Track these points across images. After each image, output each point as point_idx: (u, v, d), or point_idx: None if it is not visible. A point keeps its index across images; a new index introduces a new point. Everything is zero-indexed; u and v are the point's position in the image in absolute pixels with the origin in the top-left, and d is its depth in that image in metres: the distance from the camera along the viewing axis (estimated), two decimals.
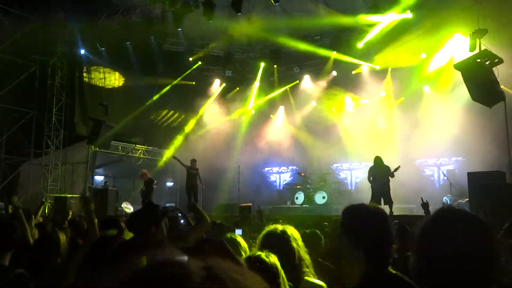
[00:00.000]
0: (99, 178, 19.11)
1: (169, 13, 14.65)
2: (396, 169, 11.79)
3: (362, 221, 2.02)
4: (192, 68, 18.64)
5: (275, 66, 18.21)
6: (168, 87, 18.27)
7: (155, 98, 17.72)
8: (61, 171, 16.06)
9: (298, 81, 19.20)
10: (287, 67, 18.70)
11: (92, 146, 15.93)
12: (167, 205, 16.12)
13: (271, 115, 20.34)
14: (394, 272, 1.93)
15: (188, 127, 19.05)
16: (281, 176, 21.02)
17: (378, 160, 12.24)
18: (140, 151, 18.51)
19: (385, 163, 12.22)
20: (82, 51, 16.33)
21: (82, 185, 16.23)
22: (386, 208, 11.85)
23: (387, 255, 1.94)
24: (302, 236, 2.94)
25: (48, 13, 15.37)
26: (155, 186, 15.45)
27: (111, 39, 15.70)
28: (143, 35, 15.68)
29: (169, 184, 20.88)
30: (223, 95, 20.13)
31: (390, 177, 11.91)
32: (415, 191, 14.93)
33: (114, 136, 16.13)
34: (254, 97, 19.84)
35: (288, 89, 19.47)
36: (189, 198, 14.30)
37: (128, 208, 16.65)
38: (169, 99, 18.62)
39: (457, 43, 13.92)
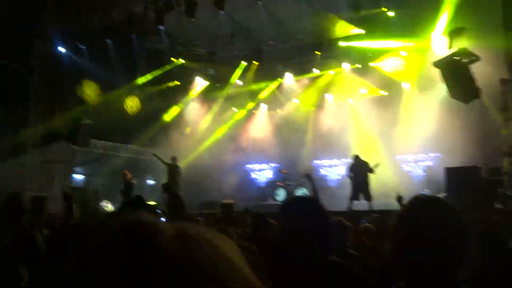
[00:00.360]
0: (78, 177, 18.81)
1: (151, 11, 14.57)
2: (376, 165, 12.03)
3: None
4: (172, 66, 18.53)
5: (257, 63, 18.29)
6: (156, 89, 18.15)
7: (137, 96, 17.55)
8: (40, 170, 15.77)
9: (280, 79, 19.34)
10: (270, 65, 18.82)
11: (72, 145, 15.69)
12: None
13: (254, 112, 20.41)
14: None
15: (170, 124, 18.90)
16: (262, 173, 21.12)
17: (356, 158, 12.57)
18: (121, 149, 18.33)
19: (366, 159, 12.45)
20: (63, 50, 16.08)
21: (61, 185, 15.97)
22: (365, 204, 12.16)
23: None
24: None
25: (29, 12, 15.12)
26: (134, 182, 15.38)
27: (92, 37, 15.52)
28: (124, 34, 15.55)
29: (151, 182, 20.72)
30: (205, 92, 20.11)
31: (369, 173, 12.12)
32: (394, 187, 15.28)
33: (94, 135, 15.94)
34: (236, 95, 19.89)
35: (270, 87, 19.58)
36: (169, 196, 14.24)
37: (107, 206, 16.46)
38: (153, 97, 18.48)
39: (435, 41, 14.29)
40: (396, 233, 1.59)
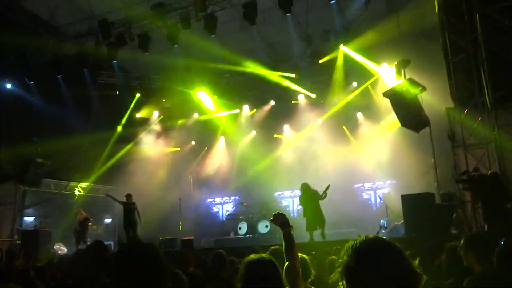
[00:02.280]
0: (29, 219, 17.87)
1: (103, 45, 14.34)
2: (326, 189, 11.91)
3: None
4: (130, 109, 18.27)
5: (214, 96, 18.28)
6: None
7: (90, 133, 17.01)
8: None
9: (238, 111, 19.37)
10: (227, 97, 18.84)
11: (21, 185, 14.92)
12: (106, 243, 15.36)
13: (210, 146, 20.26)
14: None
15: (126, 160, 18.38)
16: (223, 207, 20.80)
17: (304, 187, 12.24)
18: (75, 187, 17.63)
19: (324, 188, 12.38)
20: (8, 85, 15.48)
21: (9, 228, 15.08)
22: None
23: None
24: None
25: None
26: (89, 224, 14.72)
27: (41, 73, 15.04)
28: (76, 68, 15.18)
29: (107, 221, 19.97)
30: (162, 126, 19.84)
31: (320, 200, 11.97)
32: (354, 215, 15.40)
33: (46, 174, 15.24)
34: (194, 127, 19.73)
35: (228, 118, 19.56)
36: (128, 235, 13.73)
37: (61, 249, 15.68)
38: (106, 132, 17.98)
39: (384, 72, 14.80)
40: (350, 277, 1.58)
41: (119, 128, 18.51)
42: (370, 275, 1.51)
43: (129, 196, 14.00)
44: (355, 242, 1.63)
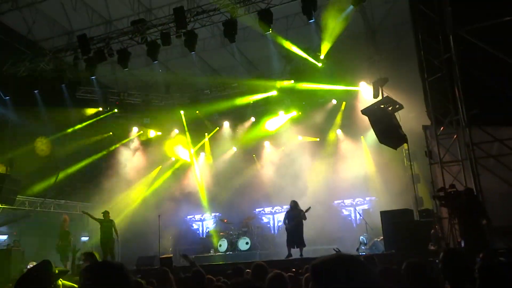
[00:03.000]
0: (2, 238, 17.33)
1: (82, 60, 14.20)
2: (306, 210, 12.14)
3: None
4: (105, 115, 18.04)
5: (197, 112, 18.22)
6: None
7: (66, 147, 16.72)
8: None
9: (218, 128, 19.36)
10: (206, 114, 18.82)
11: None
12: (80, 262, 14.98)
13: (190, 162, 20.13)
14: None
15: (104, 177, 18.04)
16: (204, 224, 20.58)
17: (292, 205, 12.55)
18: (51, 205, 17.20)
19: (304, 205, 12.49)
20: None
21: None
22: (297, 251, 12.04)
23: None
24: None
25: None
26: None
27: (18, 88, 14.77)
28: (53, 84, 14.95)
29: (84, 238, 19.50)
30: (141, 142, 19.65)
31: (303, 220, 12.16)
32: (334, 232, 15.44)
33: (20, 191, 14.85)
34: (173, 144, 19.60)
35: (208, 136, 19.53)
36: (105, 253, 13.38)
37: None
38: (83, 147, 17.68)
39: (363, 90, 15.06)
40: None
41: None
42: None
43: (106, 213, 13.72)
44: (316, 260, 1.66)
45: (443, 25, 9.79)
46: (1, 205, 14.90)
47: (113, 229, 13.51)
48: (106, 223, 13.50)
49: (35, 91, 15.21)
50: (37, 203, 16.69)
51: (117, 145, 19.15)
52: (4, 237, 17.42)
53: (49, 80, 14.77)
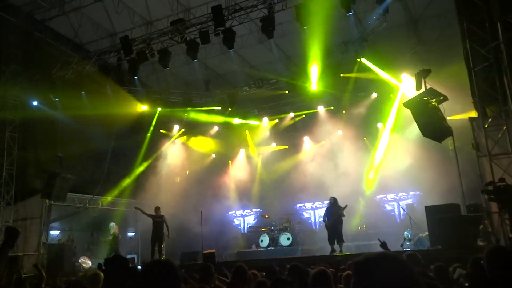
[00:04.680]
0: (55, 233, 18.21)
1: (125, 61, 14.64)
2: (343, 208, 12.24)
3: None
4: (152, 126, 18.56)
5: (230, 109, 18.40)
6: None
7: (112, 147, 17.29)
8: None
9: (258, 123, 19.44)
10: (246, 110, 18.95)
11: (47, 200, 15.23)
12: (128, 256, 15.52)
13: (231, 158, 20.35)
14: None
15: (148, 174, 18.57)
16: (245, 219, 20.78)
17: (332, 201, 12.67)
18: (98, 202, 17.90)
19: (345, 200, 12.46)
20: (35, 103, 15.92)
21: (36, 242, 15.37)
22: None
23: None
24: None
25: None
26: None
27: (66, 90, 15.43)
28: (98, 85, 15.51)
29: (130, 234, 20.17)
30: (182, 140, 20.05)
31: (342, 217, 12.24)
32: (377, 227, 15.18)
33: (70, 188, 15.53)
34: (214, 141, 19.88)
35: (247, 132, 19.65)
36: (153, 248, 13.75)
37: (86, 263, 15.89)
38: (128, 146, 18.25)
39: (405, 83, 14.67)
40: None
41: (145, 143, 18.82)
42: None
43: (157, 208, 14.07)
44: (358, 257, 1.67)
45: (490, 12, 9.40)
46: (53, 202, 15.64)
47: (164, 225, 13.83)
48: (157, 218, 13.86)
49: (82, 93, 15.80)
50: (86, 200, 17.39)
51: (161, 144, 19.61)
52: (57, 232, 18.30)
53: (95, 82, 15.30)
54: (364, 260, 1.63)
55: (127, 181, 18.01)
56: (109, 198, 18.27)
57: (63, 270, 13.39)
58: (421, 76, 10.90)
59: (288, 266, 5.19)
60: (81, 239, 18.08)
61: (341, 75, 15.61)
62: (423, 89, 10.89)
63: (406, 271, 1.59)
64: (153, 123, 18.96)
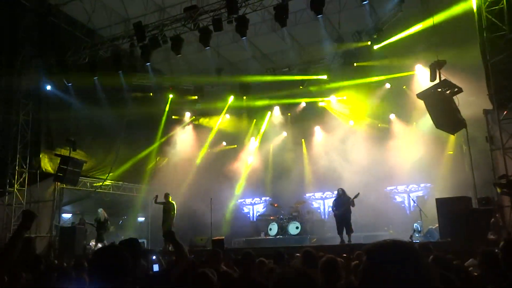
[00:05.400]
0: (66, 216, 18.49)
1: (138, 48, 14.66)
2: (355, 197, 12.28)
3: None
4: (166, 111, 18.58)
5: (244, 97, 18.38)
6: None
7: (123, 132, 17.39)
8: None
9: (268, 112, 19.40)
10: (257, 99, 18.89)
11: (59, 183, 15.43)
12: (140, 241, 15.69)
13: (242, 147, 20.37)
14: None
15: (157, 161, 18.67)
16: (254, 208, 20.87)
17: (340, 192, 12.89)
18: (109, 186, 18.10)
19: (355, 190, 12.50)
20: (48, 87, 16.04)
21: (48, 224, 15.63)
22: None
23: None
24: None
25: (14, 49, 15.19)
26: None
27: (79, 75, 15.51)
28: (111, 70, 15.56)
29: (141, 219, 20.40)
30: (194, 127, 20.12)
31: (351, 207, 12.33)
32: (387, 218, 15.15)
33: (82, 172, 15.71)
34: (225, 129, 19.90)
35: (258, 120, 19.63)
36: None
37: (97, 246, 16.12)
38: (139, 133, 18.36)
39: (419, 73, 14.49)
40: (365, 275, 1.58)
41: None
42: (379, 276, 1.51)
43: (167, 195, 14.35)
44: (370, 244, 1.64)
45: (509, 2, 9.20)
46: (65, 186, 15.85)
47: (173, 212, 14.07)
48: (167, 205, 14.12)
49: (95, 78, 15.88)
50: (97, 184, 17.60)
51: (171, 130, 19.70)
52: (68, 215, 18.58)
53: (107, 67, 15.35)
54: (376, 247, 1.61)
55: (138, 167, 18.14)
56: (120, 183, 18.47)
57: (74, 252, 13.64)
58: (436, 67, 10.76)
59: (302, 251, 5.22)
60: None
61: (355, 64, 15.48)
62: (437, 80, 10.75)
63: (419, 259, 1.56)
64: (166, 109, 19.03)
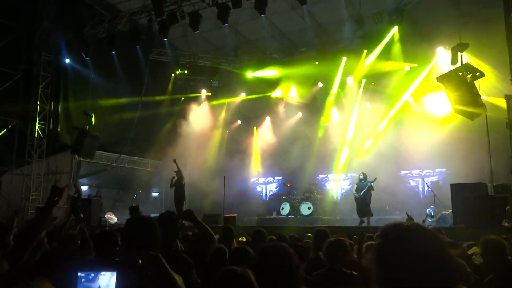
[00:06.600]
0: (83, 188, 18.85)
1: (155, 23, 14.61)
2: (372, 181, 13.09)
3: None
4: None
5: (261, 76, 18.24)
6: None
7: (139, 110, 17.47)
8: (44, 181, 15.81)
9: (284, 92, 19.25)
10: (274, 78, 18.73)
11: (76, 156, 15.70)
12: (152, 215, 15.94)
13: (256, 126, 20.35)
14: None
15: (171, 136, 18.73)
16: (267, 187, 20.96)
17: (361, 176, 13.68)
18: (125, 161, 18.34)
19: (372, 174, 12.66)
20: (67, 60, 16.17)
21: (65, 195, 15.97)
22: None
23: None
24: None
25: (33, 22, 15.29)
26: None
27: (97, 48, 15.57)
28: (129, 45, 15.58)
29: (155, 194, 20.71)
30: (210, 104, 20.14)
31: (371, 191, 13.12)
32: (400, 202, 15.10)
33: (99, 146, 15.93)
34: (240, 107, 19.88)
35: (274, 99, 19.52)
36: (179, 209, 14.16)
37: (112, 219, 16.46)
38: (156, 108, 18.43)
39: (440, 56, 14.16)
40: (380, 258, 1.57)
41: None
42: (395, 256, 1.50)
43: (175, 161, 14.52)
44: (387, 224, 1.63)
45: None
46: (82, 159, 16.12)
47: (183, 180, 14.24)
48: (178, 173, 14.34)
49: (113, 52, 15.93)
50: (113, 158, 17.84)
51: (187, 107, 19.76)
52: (85, 188, 18.95)
53: (125, 42, 15.37)
54: (392, 226, 1.61)
55: (153, 142, 18.30)
56: (136, 158, 18.69)
57: (89, 224, 13.93)
58: (458, 50, 10.49)
59: (314, 231, 5.24)
60: (108, 196, 18.69)
61: (376, 48, 15.18)
62: (459, 64, 10.51)
63: (437, 240, 1.55)
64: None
